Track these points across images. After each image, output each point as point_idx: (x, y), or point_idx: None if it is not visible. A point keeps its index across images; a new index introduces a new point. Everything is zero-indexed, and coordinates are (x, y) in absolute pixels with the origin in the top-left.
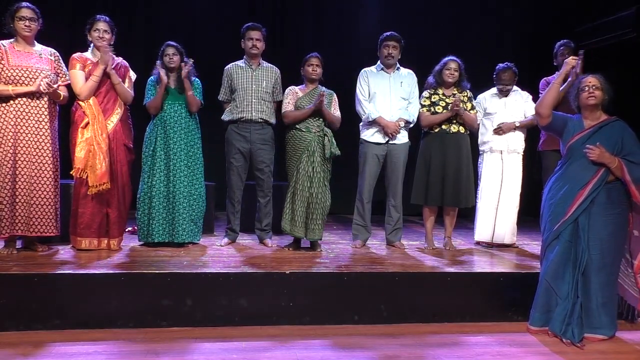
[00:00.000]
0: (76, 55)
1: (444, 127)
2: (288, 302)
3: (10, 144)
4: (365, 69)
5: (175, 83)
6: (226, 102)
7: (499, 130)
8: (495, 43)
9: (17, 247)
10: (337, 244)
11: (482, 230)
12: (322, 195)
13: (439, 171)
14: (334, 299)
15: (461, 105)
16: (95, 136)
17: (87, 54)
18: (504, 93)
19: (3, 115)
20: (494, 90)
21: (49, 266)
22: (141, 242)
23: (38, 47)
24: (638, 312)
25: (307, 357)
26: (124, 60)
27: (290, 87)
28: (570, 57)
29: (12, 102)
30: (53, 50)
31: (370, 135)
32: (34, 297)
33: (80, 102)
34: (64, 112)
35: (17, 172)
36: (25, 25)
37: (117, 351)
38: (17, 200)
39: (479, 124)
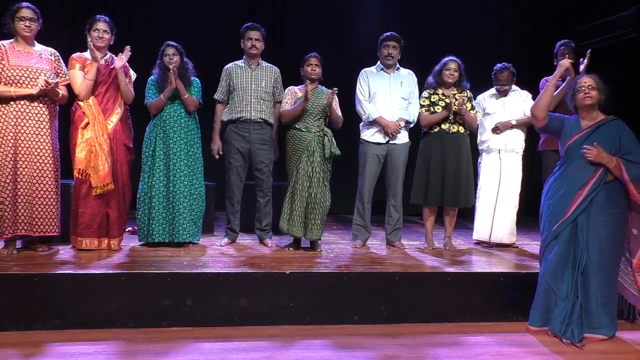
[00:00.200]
0: (76, 55)
1: (443, 127)
2: (288, 302)
3: (10, 145)
4: (365, 69)
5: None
6: (222, 102)
7: (496, 130)
8: (495, 43)
9: (17, 247)
10: (337, 244)
11: (480, 229)
12: (322, 195)
13: (438, 171)
14: (334, 299)
15: (462, 105)
16: (97, 137)
17: (87, 54)
18: (502, 93)
19: (3, 116)
20: (493, 90)
21: (49, 266)
22: (141, 242)
23: (38, 47)
24: (638, 311)
25: (307, 357)
26: None
27: (289, 87)
28: (565, 59)
29: (12, 102)
30: (53, 50)
31: (370, 135)
32: (34, 297)
33: (80, 102)
34: (64, 113)
35: (18, 173)
36: (26, 26)
37: (117, 351)
38: (19, 200)
39: (478, 124)
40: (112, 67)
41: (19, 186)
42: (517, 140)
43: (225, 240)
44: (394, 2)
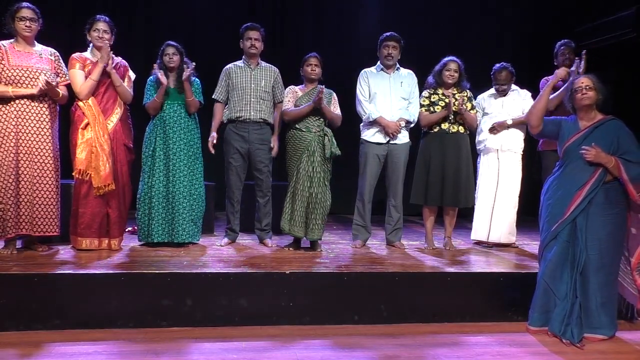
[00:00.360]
0: (75, 55)
1: (443, 127)
2: (288, 302)
3: (12, 144)
4: (365, 69)
5: (175, 83)
6: (220, 101)
7: (493, 130)
8: (495, 43)
9: (17, 247)
10: (337, 244)
11: (478, 229)
12: (323, 195)
13: (438, 171)
14: (334, 299)
15: (462, 105)
16: (97, 137)
17: (87, 54)
18: (501, 93)
19: (4, 116)
20: (492, 90)
21: (49, 266)
22: (141, 242)
23: (38, 47)
24: (637, 311)
25: (307, 357)
26: (123, 60)
27: (290, 87)
28: (561, 68)
29: (12, 102)
30: (53, 50)
31: (371, 135)
32: (34, 297)
33: (80, 103)
34: (64, 113)
35: (20, 172)
36: (26, 26)
37: (117, 351)
38: (21, 200)
39: (478, 124)
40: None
41: (20, 186)
42: (515, 140)
43: (225, 240)
44: (394, 2)
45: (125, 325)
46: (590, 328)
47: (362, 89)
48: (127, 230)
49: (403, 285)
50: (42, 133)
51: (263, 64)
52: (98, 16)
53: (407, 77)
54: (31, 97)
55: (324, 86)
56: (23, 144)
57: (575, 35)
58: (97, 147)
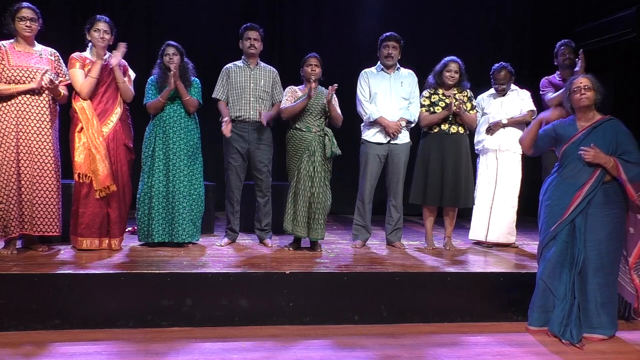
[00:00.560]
0: (75, 54)
1: (443, 127)
2: (288, 302)
3: (13, 144)
4: (366, 69)
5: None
6: (221, 100)
7: (489, 130)
8: (495, 43)
9: (17, 247)
10: (337, 244)
11: (477, 229)
12: (323, 195)
13: (437, 171)
14: (334, 299)
15: (461, 105)
16: (92, 140)
17: (86, 54)
18: (500, 93)
19: (4, 115)
20: (492, 90)
21: (49, 266)
22: (141, 242)
23: (38, 47)
24: (635, 310)
25: (307, 357)
26: (122, 60)
27: (289, 87)
28: (558, 109)
29: (13, 101)
30: (53, 50)
31: (371, 135)
32: (34, 297)
33: (75, 106)
34: (64, 113)
35: (21, 172)
36: (26, 26)
37: (117, 351)
38: (23, 199)
39: (478, 124)
40: (109, 65)
41: (22, 185)
42: (513, 140)
43: (225, 240)
44: (394, 2)
45: (125, 325)
46: (590, 328)
47: (362, 89)
48: (127, 230)
49: (403, 285)
50: (43, 132)
51: (262, 64)
52: (98, 16)
53: (407, 77)
54: (31, 97)
55: (322, 88)
56: (23, 144)
57: (575, 35)
58: (93, 149)
